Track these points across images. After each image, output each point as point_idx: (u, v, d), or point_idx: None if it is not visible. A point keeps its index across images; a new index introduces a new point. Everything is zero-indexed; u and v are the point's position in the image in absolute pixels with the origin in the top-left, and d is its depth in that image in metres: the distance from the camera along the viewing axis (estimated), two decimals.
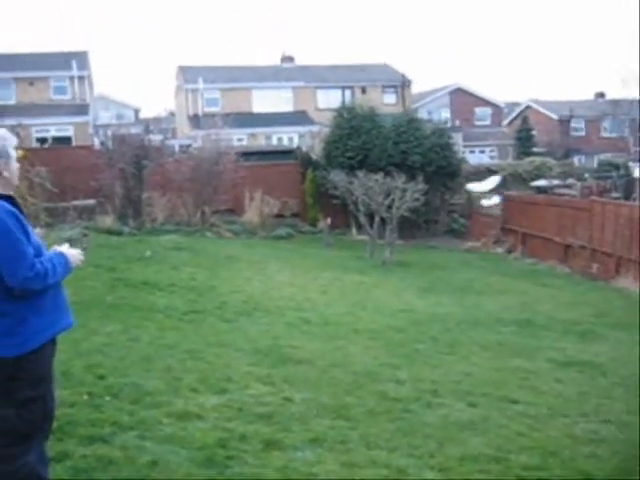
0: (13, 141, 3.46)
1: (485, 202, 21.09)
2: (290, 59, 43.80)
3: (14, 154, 3.42)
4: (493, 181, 20.53)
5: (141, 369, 6.56)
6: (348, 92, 40.12)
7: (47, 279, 3.27)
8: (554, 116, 51.33)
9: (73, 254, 3.53)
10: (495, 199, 20.95)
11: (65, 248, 3.55)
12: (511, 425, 5.95)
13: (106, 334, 7.78)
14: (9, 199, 3.33)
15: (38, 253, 3.31)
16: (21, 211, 3.36)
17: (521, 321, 11.12)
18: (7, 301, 3.22)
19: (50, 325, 3.39)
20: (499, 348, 9.12)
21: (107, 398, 5.61)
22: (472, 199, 25.01)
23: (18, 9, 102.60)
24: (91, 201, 19.82)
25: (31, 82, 35.25)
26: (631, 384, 7.76)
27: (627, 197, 23.06)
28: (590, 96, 56.55)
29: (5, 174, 3.35)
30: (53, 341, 3.46)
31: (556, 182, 26.86)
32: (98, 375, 6.17)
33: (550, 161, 32.30)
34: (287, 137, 36.81)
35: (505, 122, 54.04)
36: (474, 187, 21.03)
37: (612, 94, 48.93)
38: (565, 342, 9.85)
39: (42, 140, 29.37)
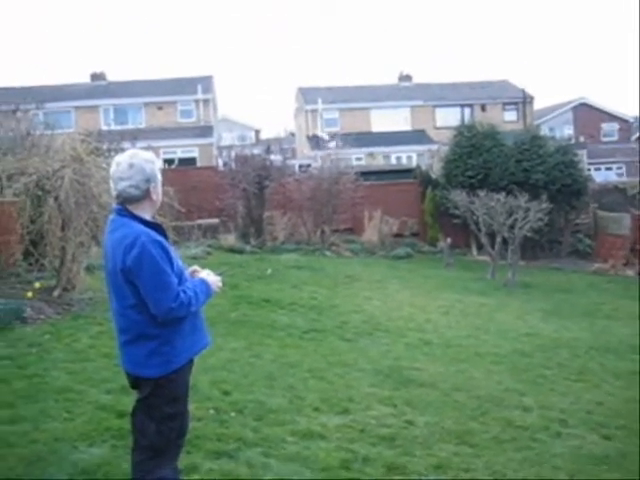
0: (159, 164, 3.57)
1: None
2: (408, 78, 43.80)
3: (160, 177, 3.52)
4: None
5: (264, 386, 6.66)
6: (467, 110, 39.64)
7: (190, 307, 3.35)
8: None
9: (213, 281, 3.61)
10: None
11: (205, 274, 3.64)
12: None
13: (230, 350, 7.96)
14: (156, 226, 3.44)
15: (181, 280, 3.40)
16: (167, 237, 3.45)
17: None
18: (153, 325, 3.33)
19: (190, 346, 3.49)
20: (633, 377, 8.61)
21: (232, 414, 5.72)
22: (598, 219, 23.98)
23: (146, 38, 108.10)
24: (215, 220, 20.44)
25: (160, 106, 36.98)
26: None
27: None
28: None
29: (154, 197, 3.46)
30: (191, 360, 3.55)
31: None
32: (223, 391, 6.31)
33: None
34: (405, 156, 36.69)
35: (634, 137, 51.68)
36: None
37: None
38: None
39: (169, 161, 30.65)
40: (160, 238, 3.34)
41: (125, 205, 3.40)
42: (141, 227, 3.32)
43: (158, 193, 3.47)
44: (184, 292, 3.31)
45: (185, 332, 3.43)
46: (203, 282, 3.53)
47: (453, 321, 11.63)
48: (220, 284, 3.68)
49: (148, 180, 3.39)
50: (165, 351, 3.34)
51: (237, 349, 8.10)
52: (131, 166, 3.37)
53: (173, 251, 3.44)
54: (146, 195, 3.39)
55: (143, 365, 3.36)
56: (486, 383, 7.72)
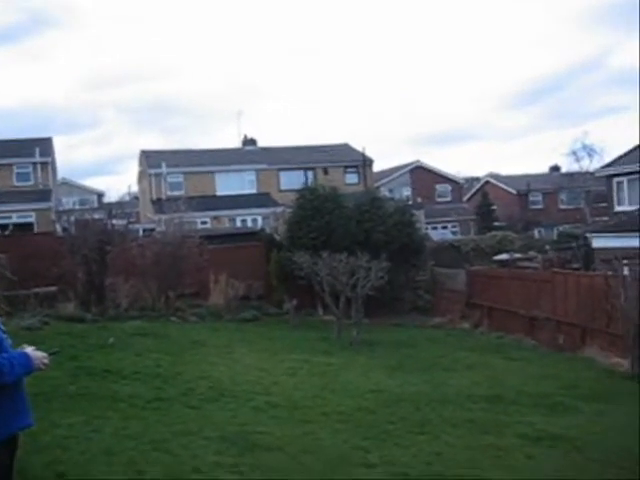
0: None
1: None
2: (252, 142, 44.49)
3: None
4: None
5: (103, 464, 6.36)
6: (310, 173, 40.71)
7: (2, 376, 3.16)
8: (512, 190, 52.62)
9: (38, 356, 3.44)
10: None
11: (30, 349, 3.47)
12: None
13: (67, 426, 7.55)
14: None
15: None
16: None
17: (490, 397, 11.04)
18: None
19: (5, 424, 3.26)
20: (469, 425, 9.02)
21: None
22: (436, 275, 25.16)
23: None
24: (52, 288, 19.48)
25: None
26: (605, 459, 7.69)
27: (587, 267, 23.44)
28: (545, 169, 58.34)
29: None
30: (12, 442, 3.31)
31: (518, 255, 27.27)
32: (58, 472, 5.97)
33: (511, 235, 32.91)
34: (251, 219, 37.01)
35: (465, 198, 55.19)
36: None
37: (566, 167, 50.66)
38: (535, 416, 9.79)
39: (3, 227, 29.08)
40: None
41: None
42: None
43: None
44: None
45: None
46: (23, 355, 3.36)
47: (300, 382, 11.68)
48: (46, 361, 3.51)
49: None
50: None
51: (75, 424, 7.68)
52: None
53: None
54: None
55: None
56: (332, 443, 7.78)
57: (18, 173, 35.83)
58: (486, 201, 48.17)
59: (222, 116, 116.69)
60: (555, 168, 55.84)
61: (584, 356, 16.00)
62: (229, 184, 39.60)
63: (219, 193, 39.33)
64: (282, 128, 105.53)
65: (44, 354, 3.52)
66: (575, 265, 24.45)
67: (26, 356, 3.37)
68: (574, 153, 47.44)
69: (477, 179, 61.68)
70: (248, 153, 42.85)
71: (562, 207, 50.97)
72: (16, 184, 35.41)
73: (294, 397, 10.34)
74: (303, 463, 6.87)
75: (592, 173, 37.59)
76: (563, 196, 51.38)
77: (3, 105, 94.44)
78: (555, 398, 11.18)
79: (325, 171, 40.96)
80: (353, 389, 11.32)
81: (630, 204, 24.49)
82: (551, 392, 11.69)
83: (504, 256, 26.89)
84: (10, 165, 35.72)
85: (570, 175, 47.81)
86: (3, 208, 32.16)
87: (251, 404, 9.59)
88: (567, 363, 15.37)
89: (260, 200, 38.61)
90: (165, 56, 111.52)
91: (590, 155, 46.34)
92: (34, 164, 35.95)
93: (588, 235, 25.33)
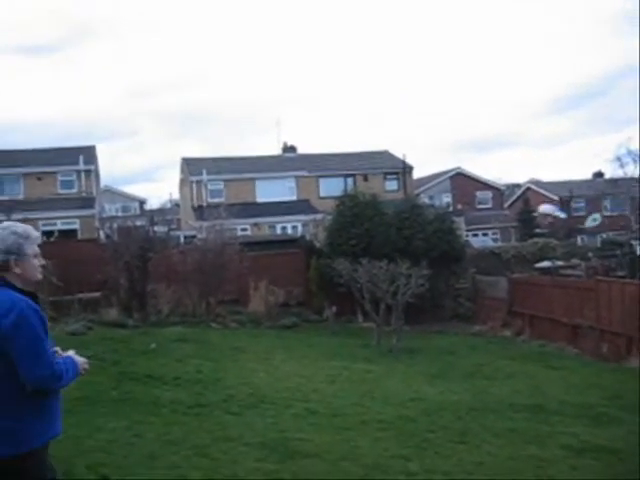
0: (34, 238, 3.48)
1: None
2: (292, 149, 44.70)
3: (31, 251, 3.43)
4: None
5: (145, 467, 6.43)
6: (350, 180, 40.66)
7: (61, 380, 3.26)
8: (554, 197, 51.90)
9: (80, 362, 3.51)
10: None
11: (72, 353, 3.54)
12: None
13: (110, 430, 7.66)
14: (31, 295, 3.34)
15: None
16: (42, 308, 3.36)
17: (532, 406, 10.90)
18: (15, 399, 3.18)
19: (43, 431, 3.31)
20: (511, 435, 8.91)
21: None
22: (477, 283, 24.92)
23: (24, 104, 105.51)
24: (96, 294, 19.81)
25: (39, 177, 35.95)
26: None
27: (632, 275, 22.99)
28: (588, 176, 57.40)
29: (17, 270, 3.36)
30: (45, 447, 3.36)
31: (560, 263, 26.85)
32: (101, 474, 6.05)
33: (553, 242, 32.40)
34: (291, 226, 37.13)
35: (506, 204, 54.62)
36: None
37: (609, 173, 49.73)
38: (578, 427, 9.63)
39: (48, 233, 29.66)
40: (36, 307, 3.27)
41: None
42: (18, 294, 3.26)
43: (25, 267, 3.38)
44: (57, 364, 3.24)
45: (42, 414, 3.28)
46: (72, 360, 3.43)
47: (339, 389, 11.67)
48: (87, 366, 3.57)
49: (8, 252, 3.33)
50: (18, 429, 3.18)
51: (117, 429, 7.80)
52: None
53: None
54: (6, 267, 3.31)
55: None
56: (372, 451, 7.75)
57: (62, 181, 36.55)
58: (527, 208, 47.63)
59: (261, 124, 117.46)
60: (598, 174, 54.85)
61: (629, 366, 15.67)
62: (269, 191, 39.81)
63: (259, 200, 39.57)
64: (321, 135, 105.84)
65: (85, 359, 3.59)
66: (620, 273, 23.99)
67: (73, 361, 3.44)
68: (618, 159, 46.60)
69: (518, 185, 61.01)
70: (288, 160, 43.04)
71: (606, 214, 50.02)
72: (60, 191, 36.13)
73: (333, 404, 10.33)
74: (343, 470, 6.86)
75: (637, 179, 36.92)
76: (607, 203, 50.49)
77: (47, 114, 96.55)
78: (599, 409, 10.98)
79: (365, 178, 40.91)
80: (393, 397, 11.27)
81: None
82: (595, 402, 11.49)
83: (546, 263, 26.48)
84: (55, 173, 36.46)
85: (614, 181, 46.98)
86: (48, 215, 32.84)
87: (291, 411, 9.61)
88: (611, 373, 15.09)
89: (300, 207, 38.73)
90: (203, 66, 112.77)
91: (635, 161, 45.49)
92: (78, 172, 36.64)
93: (633, 242, 24.86)
